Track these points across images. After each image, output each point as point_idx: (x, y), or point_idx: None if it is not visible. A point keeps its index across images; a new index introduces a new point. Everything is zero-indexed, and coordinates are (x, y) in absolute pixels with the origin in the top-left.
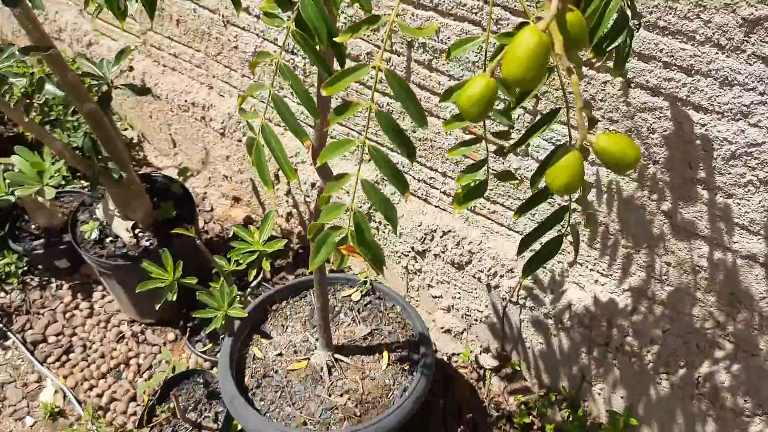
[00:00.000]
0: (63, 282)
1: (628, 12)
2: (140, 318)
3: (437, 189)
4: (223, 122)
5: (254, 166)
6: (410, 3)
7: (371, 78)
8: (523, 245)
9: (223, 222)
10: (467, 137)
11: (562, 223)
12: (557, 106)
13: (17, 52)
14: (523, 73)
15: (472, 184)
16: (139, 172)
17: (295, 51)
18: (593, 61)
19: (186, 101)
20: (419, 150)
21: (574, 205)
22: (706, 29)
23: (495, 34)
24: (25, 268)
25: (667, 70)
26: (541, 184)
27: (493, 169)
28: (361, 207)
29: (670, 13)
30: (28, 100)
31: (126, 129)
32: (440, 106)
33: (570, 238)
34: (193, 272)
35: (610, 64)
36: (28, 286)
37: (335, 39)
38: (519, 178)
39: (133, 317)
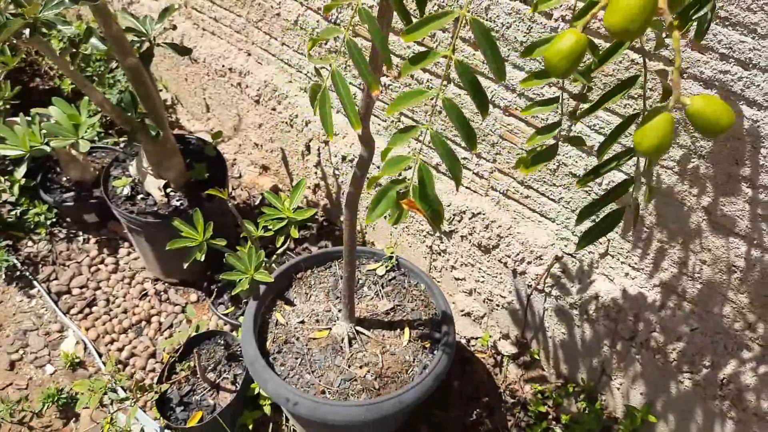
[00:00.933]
0: (90, 236)
1: None
2: (164, 277)
3: (470, 170)
4: (259, 90)
5: (318, 111)
6: None
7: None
8: (582, 216)
9: (251, 189)
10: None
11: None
12: (634, 74)
13: (67, 1)
14: (629, 24)
15: (541, 148)
16: (174, 133)
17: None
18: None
19: (223, 66)
20: (454, 130)
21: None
22: (767, 23)
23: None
24: (54, 220)
25: (724, 62)
26: (608, 155)
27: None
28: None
29: (733, 3)
30: (74, 50)
31: (161, 90)
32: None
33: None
34: (221, 234)
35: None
36: (56, 238)
37: None
38: (587, 144)
39: (157, 276)
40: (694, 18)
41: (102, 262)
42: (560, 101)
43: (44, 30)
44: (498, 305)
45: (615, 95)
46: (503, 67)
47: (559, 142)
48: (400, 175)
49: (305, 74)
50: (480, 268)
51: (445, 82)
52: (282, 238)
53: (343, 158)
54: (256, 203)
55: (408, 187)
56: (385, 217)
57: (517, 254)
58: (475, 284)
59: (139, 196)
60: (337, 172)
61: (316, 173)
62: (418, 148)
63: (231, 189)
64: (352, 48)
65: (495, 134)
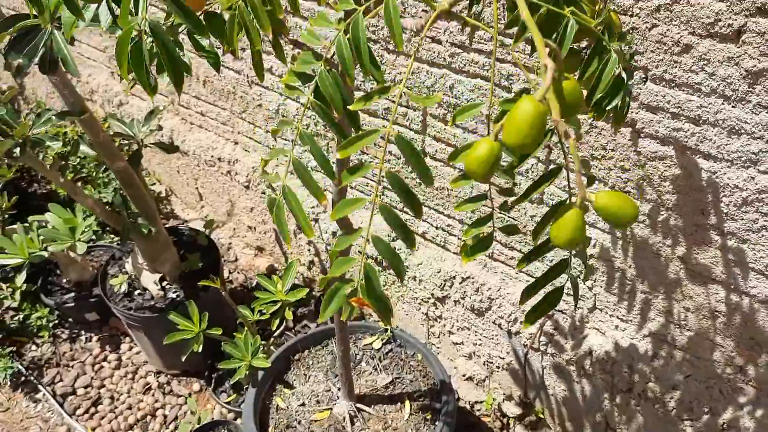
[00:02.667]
0: (92, 334)
1: (624, 75)
2: (166, 369)
3: (455, 236)
4: (248, 176)
5: (275, 223)
6: (425, 62)
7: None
8: (525, 296)
9: (247, 271)
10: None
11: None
12: (559, 164)
13: (54, 117)
14: (522, 140)
15: (479, 237)
16: (167, 225)
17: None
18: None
19: (212, 156)
20: (437, 198)
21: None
22: (711, 81)
23: (498, 100)
24: (56, 321)
25: (676, 120)
26: (544, 238)
27: (505, 219)
28: (375, 257)
29: (676, 67)
30: (63, 162)
31: (154, 183)
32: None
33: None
34: (218, 321)
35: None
36: (59, 339)
37: (349, 107)
38: (524, 231)
39: (159, 368)
40: (608, 109)
41: (105, 359)
42: (489, 197)
43: (34, 148)
44: (498, 367)
45: (539, 187)
46: (429, 173)
47: (494, 232)
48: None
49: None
50: (476, 331)
51: (380, 188)
52: (277, 321)
53: (333, 234)
54: (253, 285)
55: (355, 286)
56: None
57: (509, 315)
58: (474, 347)
59: (137, 292)
60: (329, 247)
61: (309, 250)
62: (362, 248)
63: (228, 273)
64: (299, 167)
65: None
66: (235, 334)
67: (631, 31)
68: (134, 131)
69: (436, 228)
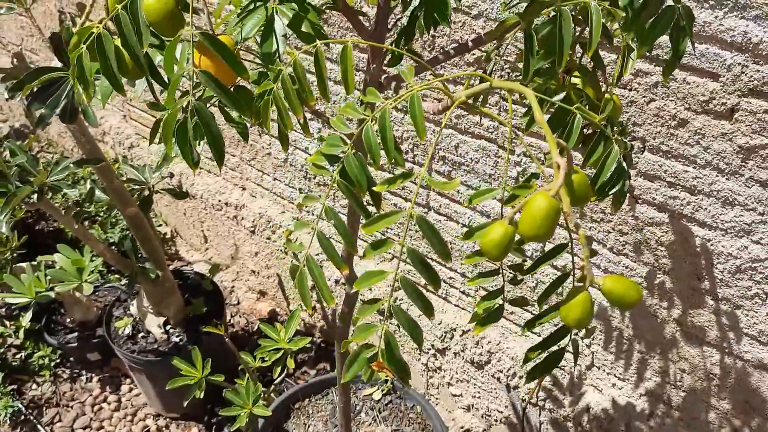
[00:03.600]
0: (93, 375)
1: (624, 164)
2: (166, 412)
3: (457, 288)
4: (254, 221)
5: (297, 288)
6: (431, 122)
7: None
8: (527, 359)
9: (249, 315)
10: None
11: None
12: (564, 243)
13: (71, 165)
14: (536, 231)
15: (491, 309)
16: (171, 267)
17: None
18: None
19: (220, 201)
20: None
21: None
22: (705, 154)
23: (510, 187)
24: (58, 361)
25: (672, 189)
26: (547, 305)
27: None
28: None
29: (672, 139)
30: (77, 208)
31: (160, 225)
32: (459, 212)
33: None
34: (220, 366)
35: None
36: (60, 378)
37: (373, 188)
38: (532, 303)
39: (158, 411)
40: (610, 193)
41: (105, 400)
42: (501, 272)
43: (50, 194)
44: (496, 420)
45: (545, 262)
46: (447, 251)
47: (505, 303)
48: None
49: (296, 206)
50: (475, 384)
51: (401, 262)
52: (279, 369)
53: (336, 282)
54: (254, 329)
55: (376, 351)
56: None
57: (509, 369)
58: (472, 400)
59: (140, 335)
60: (332, 294)
61: (312, 296)
62: (385, 317)
63: (230, 316)
64: (323, 239)
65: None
66: (236, 380)
67: (628, 124)
68: (146, 177)
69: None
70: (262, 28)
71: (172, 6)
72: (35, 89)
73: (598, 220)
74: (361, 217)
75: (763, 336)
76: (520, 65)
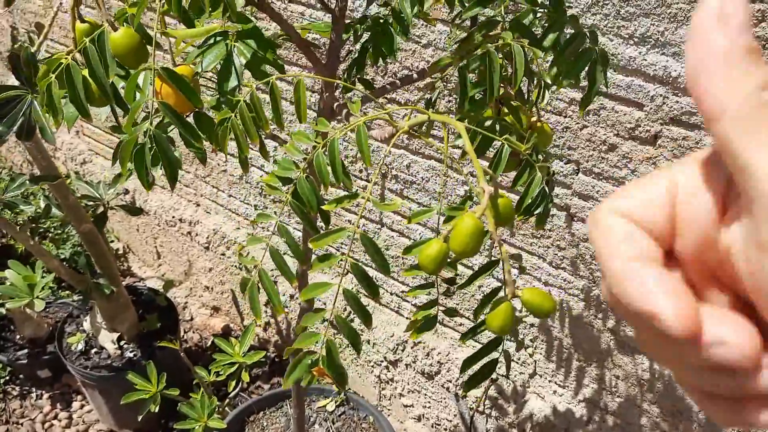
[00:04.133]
0: (43, 392)
1: (546, 188)
2: (118, 428)
3: (409, 302)
4: (208, 237)
5: (248, 300)
6: (383, 142)
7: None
8: (465, 366)
9: (202, 331)
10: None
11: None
12: (495, 260)
13: (28, 182)
14: (464, 248)
15: (427, 318)
16: (125, 283)
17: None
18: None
19: (173, 217)
20: (392, 266)
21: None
22: (633, 176)
23: (446, 207)
24: (7, 378)
25: None
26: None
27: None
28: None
29: (603, 162)
30: (33, 225)
31: (113, 241)
32: (410, 228)
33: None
34: (175, 380)
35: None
36: (9, 396)
37: (323, 207)
38: (462, 315)
39: (111, 427)
40: (535, 213)
41: (55, 417)
42: (436, 285)
43: (6, 210)
44: (446, 429)
45: (477, 278)
46: (387, 266)
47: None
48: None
49: (250, 223)
50: (426, 394)
51: (345, 275)
52: (233, 383)
53: (291, 297)
54: (208, 344)
55: (317, 358)
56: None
57: (457, 379)
58: (423, 410)
59: (93, 350)
60: (286, 309)
61: (266, 311)
62: (326, 326)
63: (183, 332)
64: (275, 254)
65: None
66: (191, 394)
67: (564, 148)
68: (100, 193)
69: (391, 294)
70: (221, 63)
71: (138, 41)
72: None
73: (539, 236)
74: None
75: None
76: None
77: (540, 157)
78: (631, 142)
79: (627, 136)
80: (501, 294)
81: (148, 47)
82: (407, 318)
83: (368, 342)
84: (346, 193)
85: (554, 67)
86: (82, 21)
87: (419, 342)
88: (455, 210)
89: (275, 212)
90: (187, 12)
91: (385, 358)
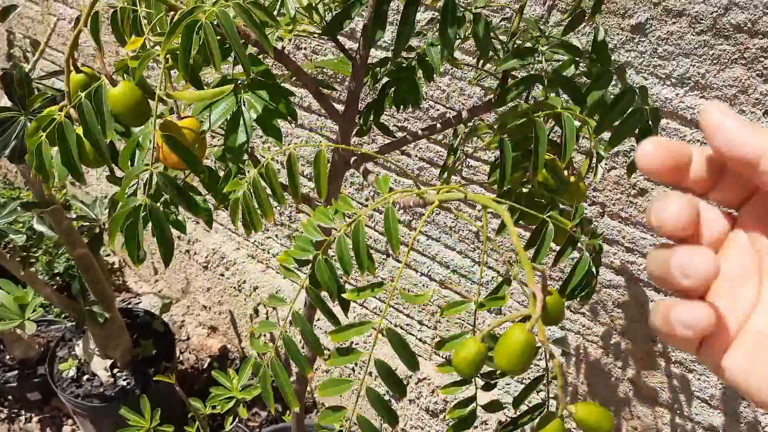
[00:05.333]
0: (32, 414)
1: (594, 270)
2: None
3: (413, 335)
4: (207, 256)
5: (261, 387)
6: (393, 171)
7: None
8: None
9: (199, 352)
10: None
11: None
12: (539, 374)
13: (19, 208)
14: (513, 367)
15: (464, 416)
16: (119, 299)
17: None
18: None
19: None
20: (397, 298)
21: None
22: None
23: (483, 298)
24: None
25: (630, 254)
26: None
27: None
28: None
29: (631, 207)
30: (24, 253)
31: (108, 255)
32: (433, 269)
33: None
34: (170, 409)
35: None
36: None
37: (343, 295)
38: (505, 407)
39: None
40: (579, 297)
41: None
42: (474, 383)
43: None
44: None
45: (524, 398)
46: (415, 362)
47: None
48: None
49: (252, 242)
50: (430, 431)
51: (367, 372)
52: (231, 419)
53: (291, 323)
54: (204, 366)
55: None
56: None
57: None
58: None
59: (85, 377)
60: (287, 333)
61: (265, 335)
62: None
63: (179, 352)
64: (289, 343)
65: (434, 304)
66: (185, 427)
67: (589, 189)
68: (96, 213)
69: (395, 326)
70: (228, 118)
71: (139, 96)
72: None
73: (557, 279)
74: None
75: (714, 400)
76: (489, 156)
77: (584, 237)
78: (662, 187)
79: (659, 180)
80: (550, 406)
81: (151, 102)
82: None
83: (370, 374)
84: (371, 280)
85: (601, 130)
86: (78, 71)
87: (424, 378)
88: (493, 301)
89: (285, 298)
90: (195, 70)
91: (387, 391)
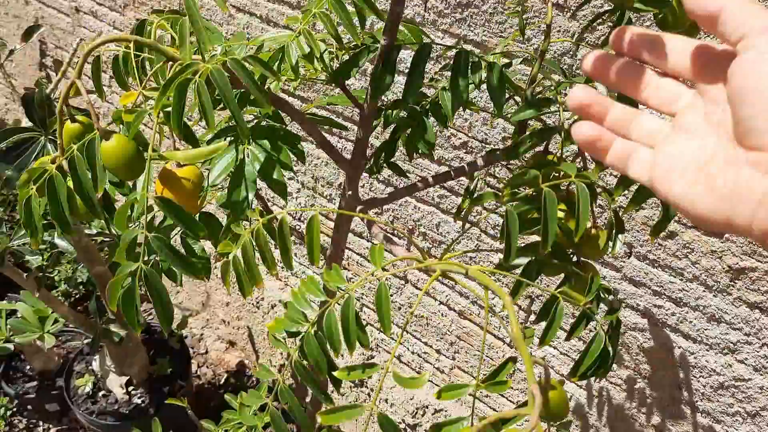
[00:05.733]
0: (50, 425)
1: (610, 348)
2: None
3: (430, 364)
4: None
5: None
6: (412, 197)
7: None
8: None
9: (216, 366)
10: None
11: None
12: None
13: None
14: None
15: None
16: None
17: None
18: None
19: None
20: (415, 325)
21: None
22: (693, 269)
23: (483, 382)
24: (14, 410)
25: (657, 297)
26: None
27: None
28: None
29: (660, 249)
30: (40, 273)
31: None
32: (437, 289)
33: None
34: (182, 429)
35: None
36: (15, 428)
37: (334, 373)
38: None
39: None
40: (592, 377)
41: None
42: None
43: (12, 260)
44: None
45: None
46: None
47: None
48: None
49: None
50: None
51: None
52: None
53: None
54: (221, 381)
55: None
56: None
57: None
58: None
59: (101, 393)
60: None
61: (281, 353)
62: None
63: (197, 367)
64: (279, 424)
65: (452, 334)
66: None
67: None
68: (114, 229)
69: (412, 353)
70: (231, 173)
71: (133, 150)
72: (3, 150)
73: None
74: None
75: None
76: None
77: (601, 313)
78: (693, 231)
79: (689, 224)
80: None
81: (145, 155)
82: (428, 380)
83: (386, 401)
84: (363, 360)
85: (618, 189)
86: (73, 120)
87: (440, 410)
88: (493, 386)
89: (272, 367)
90: (189, 128)
91: (403, 420)
